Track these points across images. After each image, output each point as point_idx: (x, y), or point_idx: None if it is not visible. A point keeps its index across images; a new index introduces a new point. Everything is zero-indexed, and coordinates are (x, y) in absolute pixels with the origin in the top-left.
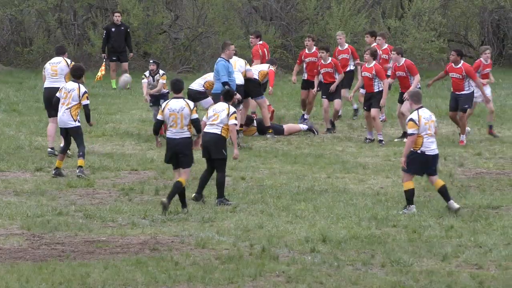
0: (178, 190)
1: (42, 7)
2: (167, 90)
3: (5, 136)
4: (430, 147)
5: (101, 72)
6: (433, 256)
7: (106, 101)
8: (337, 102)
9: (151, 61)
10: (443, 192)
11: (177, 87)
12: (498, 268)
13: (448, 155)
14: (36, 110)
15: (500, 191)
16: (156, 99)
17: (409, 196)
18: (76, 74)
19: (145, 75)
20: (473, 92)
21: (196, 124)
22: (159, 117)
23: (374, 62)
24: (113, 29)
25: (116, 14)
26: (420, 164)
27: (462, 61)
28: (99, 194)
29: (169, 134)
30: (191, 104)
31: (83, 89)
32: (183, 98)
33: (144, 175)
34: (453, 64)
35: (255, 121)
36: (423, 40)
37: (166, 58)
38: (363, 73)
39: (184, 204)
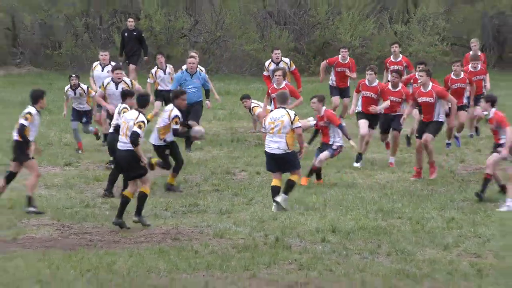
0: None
1: (70, 12)
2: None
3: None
4: (269, 145)
5: None
6: (435, 246)
7: None
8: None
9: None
10: (290, 186)
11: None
12: (495, 257)
13: (451, 152)
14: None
15: (493, 186)
16: None
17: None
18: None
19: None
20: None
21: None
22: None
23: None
24: (126, 34)
25: (129, 19)
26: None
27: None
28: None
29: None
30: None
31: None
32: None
33: (166, 171)
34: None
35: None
36: (427, 43)
37: (191, 53)
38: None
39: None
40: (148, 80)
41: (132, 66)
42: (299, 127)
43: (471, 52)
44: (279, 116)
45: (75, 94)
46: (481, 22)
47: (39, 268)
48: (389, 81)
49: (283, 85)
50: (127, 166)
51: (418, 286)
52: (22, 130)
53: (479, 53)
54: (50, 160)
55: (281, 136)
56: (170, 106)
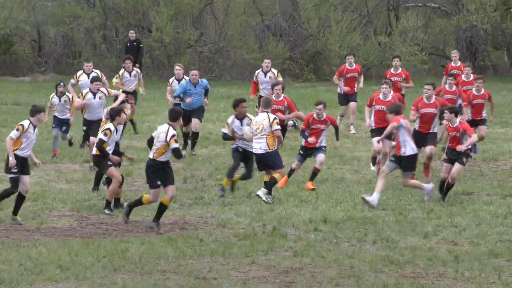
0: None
1: (89, 25)
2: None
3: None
4: (254, 146)
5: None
6: (416, 234)
7: (142, 104)
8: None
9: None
10: (271, 183)
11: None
12: (470, 244)
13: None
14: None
15: (472, 180)
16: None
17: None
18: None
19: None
20: None
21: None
22: None
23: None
24: (128, 44)
25: (131, 31)
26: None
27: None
28: (137, 182)
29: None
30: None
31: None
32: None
33: (174, 166)
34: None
35: None
36: (408, 53)
37: (193, 68)
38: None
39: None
40: (115, 79)
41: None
42: (278, 129)
43: (452, 63)
44: (261, 119)
45: (59, 101)
46: (455, 35)
47: (60, 255)
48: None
49: (281, 98)
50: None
51: (401, 271)
52: (100, 144)
53: (459, 63)
54: (70, 157)
55: (262, 137)
56: (165, 126)
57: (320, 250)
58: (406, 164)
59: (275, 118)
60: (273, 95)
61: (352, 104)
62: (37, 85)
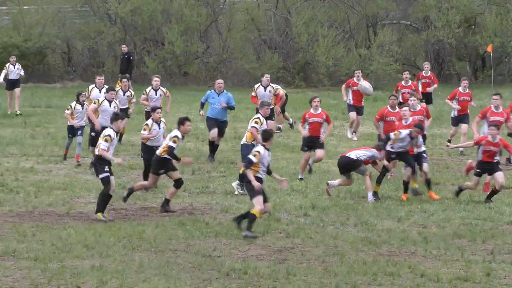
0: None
1: (111, 40)
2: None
3: (84, 132)
4: None
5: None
6: (391, 218)
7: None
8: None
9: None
10: (239, 177)
11: None
12: (437, 227)
13: None
14: None
15: (439, 172)
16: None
17: None
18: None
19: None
20: None
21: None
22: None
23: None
24: (122, 56)
25: (123, 46)
26: None
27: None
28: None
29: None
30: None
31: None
32: None
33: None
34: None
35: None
36: (384, 63)
37: (200, 77)
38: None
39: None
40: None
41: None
42: (252, 126)
43: (423, 72)
44: (252, 118)
45: (82, 108)
46: (425, 48)
47: (86, 236)
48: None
49: (320, 111)
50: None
51: (378, 250)
52: (171, 150)
53: (429, 73)
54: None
55: (246, 132)
56: (175, 131)
57: (309, 232)
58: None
59: (257, 118)
60: (311, 109)
61: (359, 117)
62: (67, 91)
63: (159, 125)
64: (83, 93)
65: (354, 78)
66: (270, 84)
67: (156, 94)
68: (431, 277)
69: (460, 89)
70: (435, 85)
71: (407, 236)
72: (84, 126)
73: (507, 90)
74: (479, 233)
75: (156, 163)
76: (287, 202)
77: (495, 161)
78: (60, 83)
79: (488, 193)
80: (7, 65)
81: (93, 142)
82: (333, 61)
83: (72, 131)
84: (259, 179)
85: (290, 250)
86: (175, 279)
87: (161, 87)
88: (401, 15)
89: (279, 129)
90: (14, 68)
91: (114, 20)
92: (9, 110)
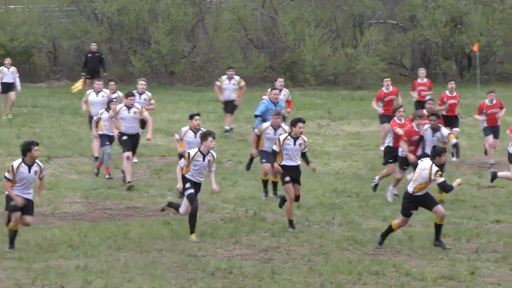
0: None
1: (97, 39)
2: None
3: (70, 131)
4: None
5: (78, 86)
6: (376, 217)
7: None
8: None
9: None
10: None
11: None
12: (422, 226)
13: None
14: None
15: None
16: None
17: None
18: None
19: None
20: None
21: None
22: None
23: None
24: (89, 55)
25: (93, 43)
26: None
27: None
28: (137, 173)
29: None
30: None
31: None
32: None
33: (170, 160)
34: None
35: None
36: (370, 63)
37: (187, 76)
38: None
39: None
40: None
41: (91, 81)
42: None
43: (418, 80)
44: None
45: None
46: (411, 47)
47: (71, 236)
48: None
49: (403, 121)
50: None
51: (363, 249)
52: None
53: (425, 80)
54: (80, 152)
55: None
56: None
57: (294, 232)
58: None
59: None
60: (396, 118)
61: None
62: (53, 90)
63: None
64: (114, 100)
65: (384, 88)
66: (284, 89)
67: (140, 98)
68: (415, 276)
69: (447, 92)
70: (431, 92)
71: (392, 235)
72: (113, 136)
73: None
74: (464, 232)
75: None
76: (272, 201)
77: None
78: (46, 82)
79: None
80: (0, 68)
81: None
82: (320, 61)
83: (108, 139)
84: (194, 182)
85: (275, 250)
86: (160, 278)
87: (147, 92)
88: (388, 15)
89: (230, 130)
90: (8, 70)
91: (101, 20)
92: (4, 115)
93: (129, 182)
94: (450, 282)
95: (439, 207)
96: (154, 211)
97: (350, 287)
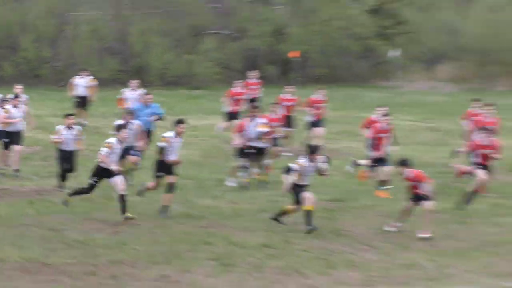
0: None
1: None
2: None
3: None
4: None
5: None
6: (209, 197)
7: None
8: None
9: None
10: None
11: None
12: (247, 204)
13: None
14: None
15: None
16: None
17: None
18: None
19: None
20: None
21: None
22: None
23: None
24: None
25: None
26: None
27: None
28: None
29: None
30: None
31: None
32: None
33: (34, 149)
34: None
35: None
36: (207, 67)
37: (51, 78)
38: None
39: None
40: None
41: None
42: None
43: (248, 80)
44: None
45: None
46: (243, 54)
47: None
48: None
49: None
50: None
51: (198, 223)
52: None
53: (255, 80)
54: None
55: None
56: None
57: (140, 209)
58: None
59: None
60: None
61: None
62: None
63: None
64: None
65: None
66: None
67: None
68: (240, 245)
69: (284, 95)
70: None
71: (221, 211)
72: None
73: (309, 89)
74: (280, 208)
75: None
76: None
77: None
78: None
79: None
80: None
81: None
82: (164, 65)
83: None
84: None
85: (123, 224)
86: (26, 249)
87: (23, 95)
88: (222, 26)
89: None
90: None
91: None
92: None
93: (16, 169)
94: (268, 249)
95: (307, 194)
96: (20, 193)
97: (186, 255)
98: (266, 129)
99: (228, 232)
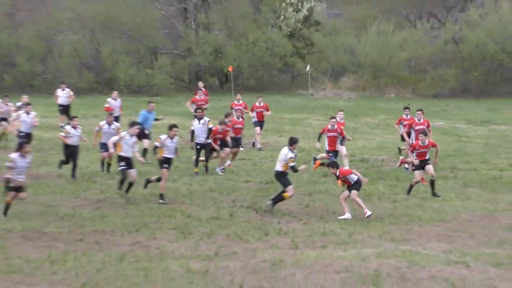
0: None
1: None
2: None
3: None
4: None
5: None
6: (169, 180)
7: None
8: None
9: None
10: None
11: None
12: (199, 185)
13: None
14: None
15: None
16: None
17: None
18: None
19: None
20: None
21: None
22: None
23: None
24: None
25: None
26: None
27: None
28: None
29: None
30: None
31: None
32: None
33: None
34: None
35: None
36: (162, 79)
37: (42, 88)
38: None
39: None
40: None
41: None
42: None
43: (200, 87)
44: None
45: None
46: (189, 69)
47: None
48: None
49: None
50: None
51: (156, 200)
52: None
53: (204, 89)
54: None
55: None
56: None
57: (115, 190)
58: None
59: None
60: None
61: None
62: None
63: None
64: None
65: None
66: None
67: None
68: (194, 218)
69: (256, 103)
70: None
71: (179, 191)
72: None
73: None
74: (225, 189)
75: None
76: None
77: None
78: None
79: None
80: None
81: None
82: (129, 77)
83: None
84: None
85: (103, 201)
86: (25, 221)
87: (16, 104)
88: (173, 47)
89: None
90: None
91: None
92: None
93: None
94: (217, 221)
95: (291, 187)
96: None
97: (153, 225)
98: (212, 126)
99: (185, 208)
